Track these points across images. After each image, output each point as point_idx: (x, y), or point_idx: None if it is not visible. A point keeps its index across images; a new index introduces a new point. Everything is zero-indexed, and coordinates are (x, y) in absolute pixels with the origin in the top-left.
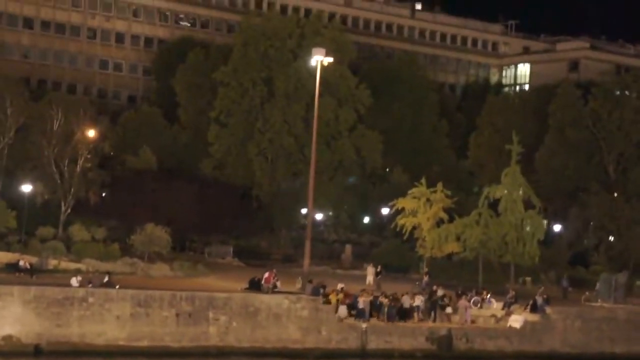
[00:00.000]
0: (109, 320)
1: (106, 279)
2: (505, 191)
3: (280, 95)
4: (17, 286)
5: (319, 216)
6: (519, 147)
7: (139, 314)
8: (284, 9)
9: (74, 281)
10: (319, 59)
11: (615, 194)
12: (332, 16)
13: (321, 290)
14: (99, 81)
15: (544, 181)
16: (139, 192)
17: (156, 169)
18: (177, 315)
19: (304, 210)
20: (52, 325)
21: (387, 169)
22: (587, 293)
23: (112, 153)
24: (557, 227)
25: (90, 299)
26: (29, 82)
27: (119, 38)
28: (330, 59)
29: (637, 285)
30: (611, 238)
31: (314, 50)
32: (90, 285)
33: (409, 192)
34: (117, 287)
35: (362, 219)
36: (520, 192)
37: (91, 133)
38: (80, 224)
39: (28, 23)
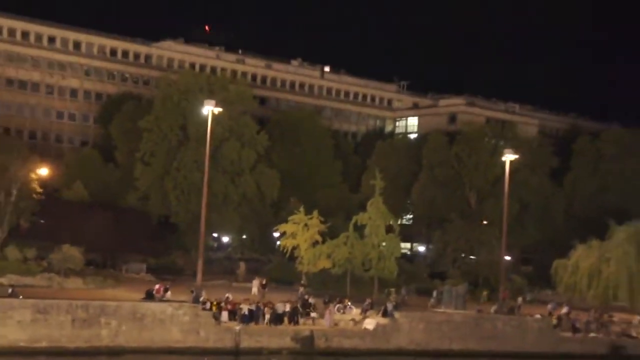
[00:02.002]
0: (10, 325)
1: (10, 290)
2: (370, 218)
3: (192, 139)
4: None
5: (225, 239)
6: (382, 182)
7: (38, 320)
8: (213, 69)
9: None
10: (209, 109)
11: (487, 221)
12: (254, 76)
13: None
14: (55, 129)
15: (419, 211)
16: (67, 219)
17: (88, 200)
18: (73, 320)
19: (214, 234)
20: None
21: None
22: (431, 300)
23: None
24: (421, 248)
25: None
26: None
27: (73, 93)
28: (220, 109)
29: (484, 294)
30: (472, 257)
31: (206, 101)
32: None
33: (289, 218)
34: (20, 297)
35: (265, 241)
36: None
37: (44, 171)
38: (14, 245)
39: None
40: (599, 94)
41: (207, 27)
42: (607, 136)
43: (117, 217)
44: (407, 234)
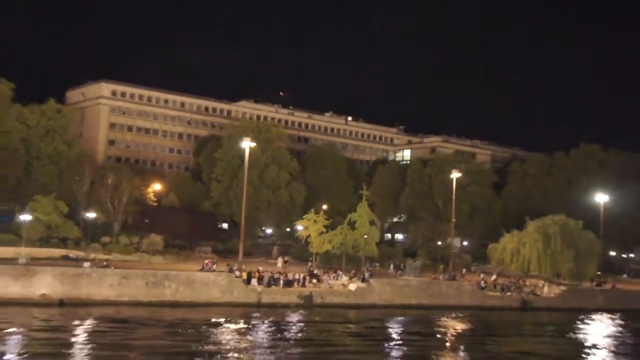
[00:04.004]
0: (104, 286)
1: (105, 263)
2: (359, 216)
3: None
4: (50, 266)
5: (269, 230)
6: (367, 192)
7: (123, 282)
8: (273, 119)
9: (86, 264)
10: (247, 144)
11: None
12: (300, 124)
13: (236, 272)
14: (168, 159)
15: (404, 212)
16: (162, 218)
17: (177, 206)
18: (146, 283)
19: (263, 227)
20: (70, 288)
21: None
22: (399, 271)
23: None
24: (399, 236)
25: (94, 274)
26: (129, 161)
27: (180, 136)
28: (254, 144)
29: (441, 267)
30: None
31: (244, 138)
32: (95, 267)
33: (304, 216)
34: (112, 267)
35: (294, 232)
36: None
37: (157, 186)
38: (125, 234)
39: (129, 128)
40: (531, 131)
41: (281, 93)
42: (531, 161)
43: (196, 217)
44: (399, 228)
